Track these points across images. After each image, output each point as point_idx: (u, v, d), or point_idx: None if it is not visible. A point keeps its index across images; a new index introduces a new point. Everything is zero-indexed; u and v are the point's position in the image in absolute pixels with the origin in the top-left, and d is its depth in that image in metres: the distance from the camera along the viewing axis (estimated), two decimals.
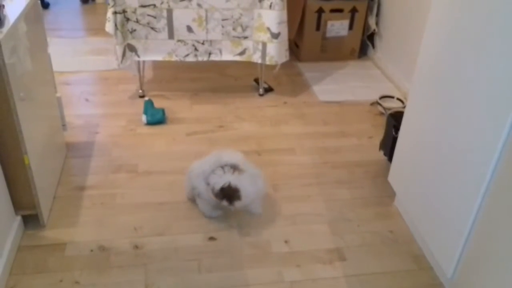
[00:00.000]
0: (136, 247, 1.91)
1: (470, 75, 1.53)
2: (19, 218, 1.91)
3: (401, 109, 2.36)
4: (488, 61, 1.44)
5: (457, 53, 1.61)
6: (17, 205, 1.88)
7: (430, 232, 1.81)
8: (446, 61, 1.68)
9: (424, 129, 1.84)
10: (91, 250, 1.88)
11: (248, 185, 1.91)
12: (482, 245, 1.51)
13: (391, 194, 2.21)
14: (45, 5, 4.61)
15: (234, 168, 1.93)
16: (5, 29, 1.62)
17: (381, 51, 3.57)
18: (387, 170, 2.24)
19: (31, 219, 1.95)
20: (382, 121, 2.80)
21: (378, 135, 2.65)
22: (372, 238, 2.01)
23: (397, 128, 2.16)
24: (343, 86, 3.27)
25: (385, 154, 2.44)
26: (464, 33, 1.57)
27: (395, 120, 2.26)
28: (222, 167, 1.93)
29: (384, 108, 2.92)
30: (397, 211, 2.16)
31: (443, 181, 1.70)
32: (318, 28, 3.50)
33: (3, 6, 1.73)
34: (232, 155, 1.99)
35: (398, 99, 3.05)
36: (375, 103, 3.03)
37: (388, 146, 2.35)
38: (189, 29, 2.80)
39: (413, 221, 1.99)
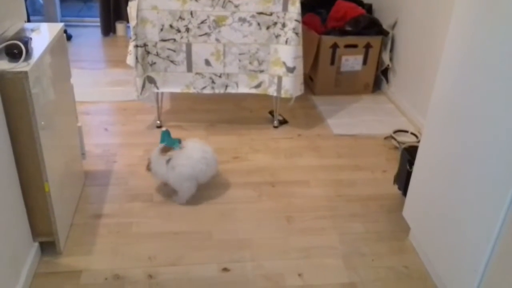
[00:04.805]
0: (150, 276, 1.92)
1: (486, 110, 1.55)
2: (36, 244, 1.94)
3: (415, 144, 2.38)
4: (505, 95, 1.46)
5: (472, 88, 1.63)
6: (35, 232, 1.92)
7: (445, 267, 1.79)
8: (461, 96, 1.70)
9: (439, 164, 1.85)
10: (106, 279, 1.90)
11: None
12: (498, 281, 1.49)
13: (406, 229, 2.20)
14: (68, 37, 4.76)
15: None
16: (32, 61, 1.70)
17: (395, 85, 3.60)
18: (401, 204, 2.23)
19: (47, 246, 1.98)
20: (396, 155, 2.81)
21: (392, 169, 2.65)
22: (386, 273, 1.99)
23: (411, 163, 2.17)
24: (357, 119, 3.30)
25: (399, 188, 2.44)
26: (480, 68, 1.59)
27: (409, 154, 2.27)
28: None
29: (398, 142, 2.93)
30: (412, 246, 2.14)
31: (458, 216, 1.70)
32: (332, 62, 3.56)
33: (31, 39, 1.81)
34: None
35: (412, 133, 3.06)
36: (389, 137, 3.04)
37: (403, 180, 2.35)
38: (207, 62, 2.87)
39: (428, 257, 1.98)
